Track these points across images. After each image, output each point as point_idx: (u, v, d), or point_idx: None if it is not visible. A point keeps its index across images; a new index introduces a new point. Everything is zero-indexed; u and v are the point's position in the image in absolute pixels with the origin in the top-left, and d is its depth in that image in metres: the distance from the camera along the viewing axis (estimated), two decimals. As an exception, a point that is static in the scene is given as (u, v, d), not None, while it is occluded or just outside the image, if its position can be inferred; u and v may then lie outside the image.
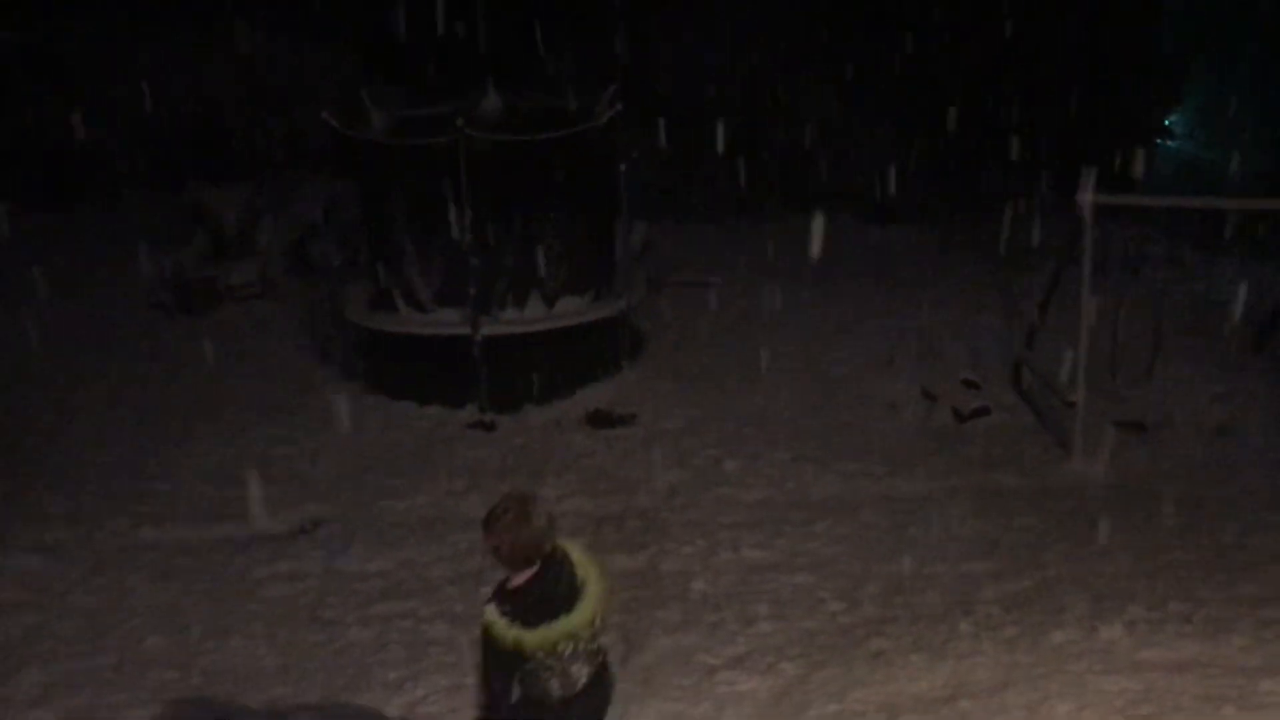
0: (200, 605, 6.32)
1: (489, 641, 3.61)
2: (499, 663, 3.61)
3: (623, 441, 8.50)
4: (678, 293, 10.34)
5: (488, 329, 8.81)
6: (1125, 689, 4.82)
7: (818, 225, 10.18)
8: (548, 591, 3.61)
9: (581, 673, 3.69)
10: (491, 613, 3.61)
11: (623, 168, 9.16)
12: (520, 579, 3.63)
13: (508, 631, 3.57)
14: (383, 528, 7.24)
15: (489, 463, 8.21)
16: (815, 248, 10.39)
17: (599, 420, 8.80)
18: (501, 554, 3.63)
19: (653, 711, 5.11)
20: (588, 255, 9.31)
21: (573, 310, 9.19)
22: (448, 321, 8.93)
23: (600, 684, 3.78)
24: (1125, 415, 8.48)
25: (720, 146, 11.28)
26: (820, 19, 12.74)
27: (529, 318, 9.08)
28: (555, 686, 3.66)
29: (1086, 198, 7.96)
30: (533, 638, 3.57)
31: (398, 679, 5.45)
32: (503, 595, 3.63)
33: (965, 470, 7.92)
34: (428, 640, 5.84)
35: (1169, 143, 15.70)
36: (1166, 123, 15.87)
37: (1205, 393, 8.73)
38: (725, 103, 12.46)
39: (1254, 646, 5.29)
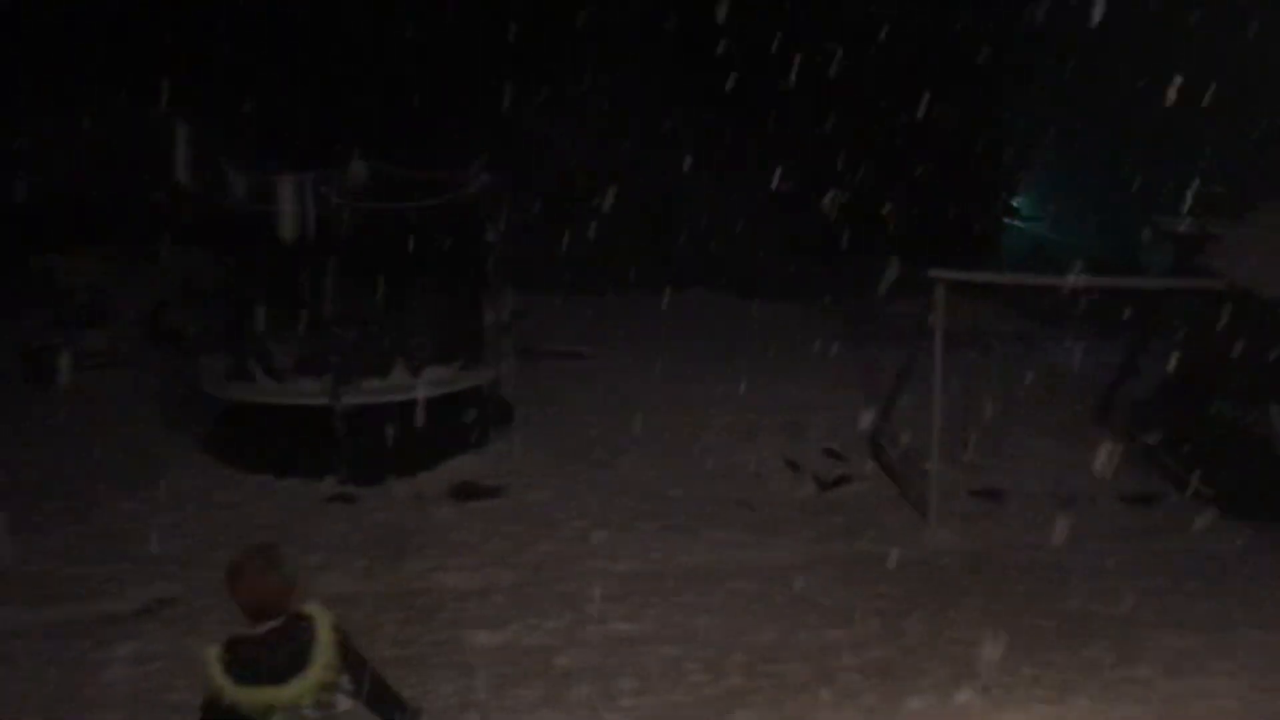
0: (34, 693, 5.93)
1: (205, 684, 3.55)
2: (207, 711, 3.57)
3: (489, 514, 8.39)
4: (547, 364, 10.35)
5: (349, 398, 8.65)
6: (979, 753, 4.93)
7: (688, 298, 10.39)
8: (268, 653, 3.54)
9: None
10: (210, 654, 3.56)
11: (492, 238, 9.18)
12: (252, 631, 3.57)
13: (217, 678, 3.52)
14: (235, 606, 6.94)
15: (349, 537, 7.99)
16: (685, 320, 10.55)
17: (465, 492, 8.68)
18: (241, 604, 3.59)
19: (513, 791, 4.99)
20: (455, 324, 9.26)
21: (439, 379, 9.08)
22: (307, 391, 8.73)
23: None
24: (979, 484, 8.78)
25: (592, 219, 11.44)
26: (690, 98, 13.11)
27: (392, 386, 8.94)
28: None
29: (939, 274, 8.32)
30: (236, 693, 3.51)
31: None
32: (229, 642, 3.57)
33: (828, 538, 8.06)
34: None
35: (1017, 222, 16.54)
36: (1014, 203, 16.74)
37: (1053, 463, 9.10)
38: (598, 176, 12.66)
39: (1100, 707, 5.49)
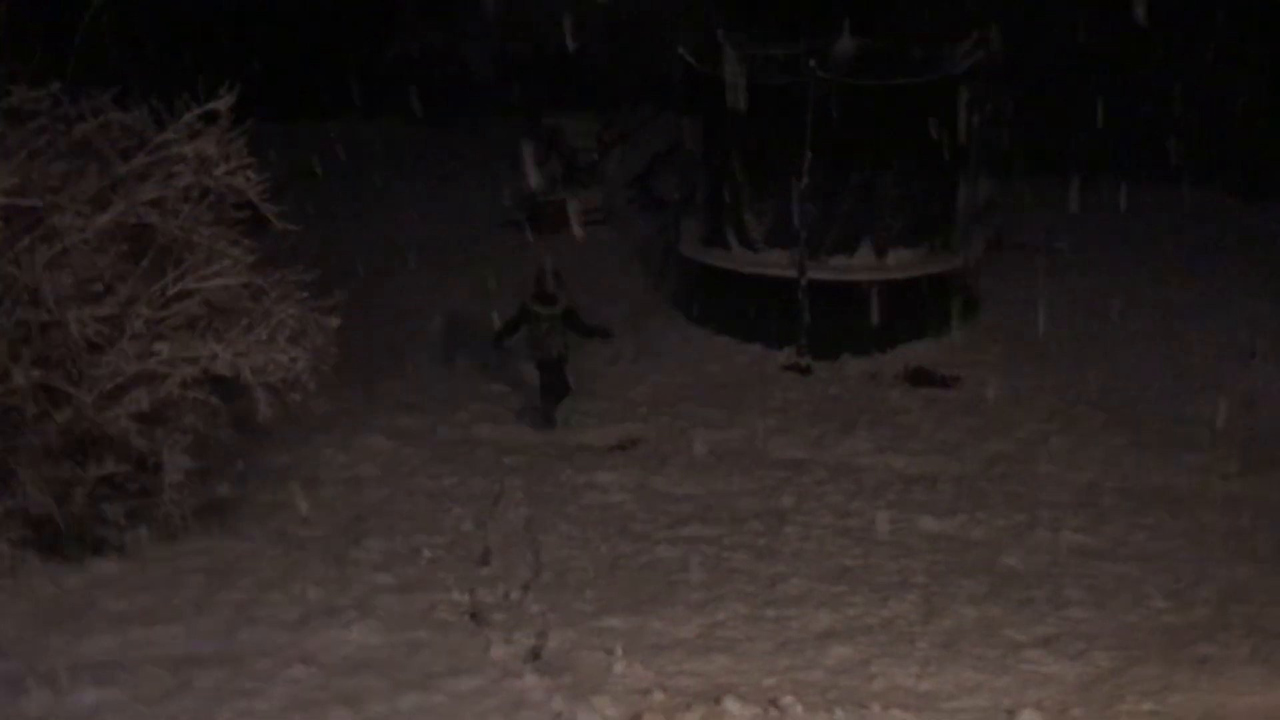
0: (522, 504, 6.77)
1: (521, 306, 7.84)
2: (517, 316, 7.82)
3: (942, 403, 8.26)
4: (1019, 256, 9.85)
5: (814, 274, 8.78)
6: None
7: (1180, 196, 9.39)
8: (542, 299, 7.70)
9: (546, 348, 7.76)
10: (529, 300, 7.81)
11: (975, 119, 8.79)
12: (538, 292, 7.77)
13: (528, 301, 7.79)
14: (694, 455, 7.45)
15: (802, 406, 8.23)
16: (1176, 221, 9.55)
17: (919, 378, 8.59)
18: (537, 285, 7.79)
19: (950, 677, 5.00)
20: (926, 207, 9.06)
21: (904, 263, 8.99)
22: (775, 263, 8.98)
23: (554, 368, 7.78)
24: None
25: (1076, 105, 10.57)
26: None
27: (857, 265, 8.97)
28: (537, 348, 7.81)
29: None
30: (534, 305, 7.72)
31: (700, 600, 5.62)
32: (534, 294, 7.75)
33: (1330, 480, 7.11)
34: (730, 568, 5.98)
35: None
36: None
37: None
38: (1084, 58, 11.64)
39: None
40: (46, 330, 5.36)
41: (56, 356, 5.34)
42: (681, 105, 10.28)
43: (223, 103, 5.66)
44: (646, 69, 12.91)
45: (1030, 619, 5.53)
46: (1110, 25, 11.20)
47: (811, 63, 8.41)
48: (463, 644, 5.17)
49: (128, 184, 5.57)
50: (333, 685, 4.79)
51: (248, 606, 5.41)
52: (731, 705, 4.67)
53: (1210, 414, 7.95)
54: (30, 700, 4.57)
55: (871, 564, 6.11)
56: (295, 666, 4.90)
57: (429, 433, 7.65)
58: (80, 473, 5.45)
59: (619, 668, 4.94)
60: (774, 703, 4.69)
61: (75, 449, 5.48)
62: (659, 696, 4.73)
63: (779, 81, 8.74)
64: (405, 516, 6.56)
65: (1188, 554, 6.28)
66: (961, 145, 9.03)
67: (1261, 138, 10.89)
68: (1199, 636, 5.37)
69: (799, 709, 4.66)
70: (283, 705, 4.64)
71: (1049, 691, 4.87)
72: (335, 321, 5.99)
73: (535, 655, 5.09)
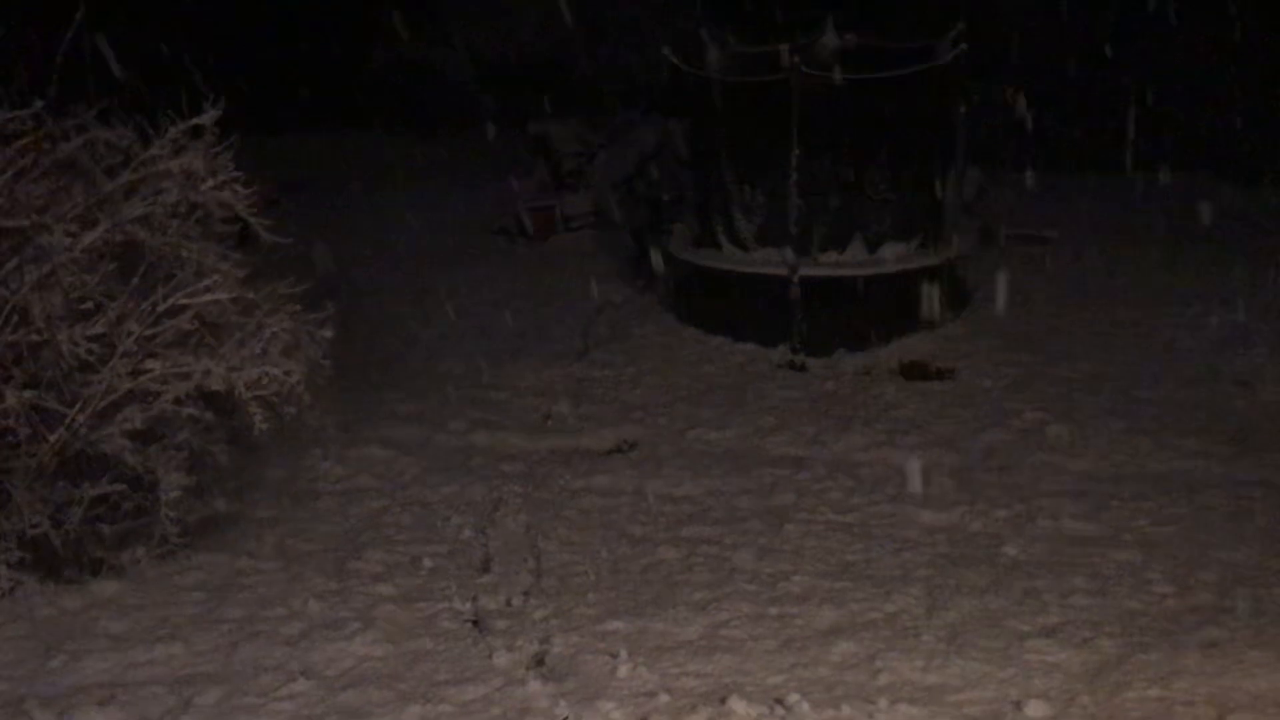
0: (522, 510, 6.74)
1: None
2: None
3: (938, 396, 8.25)
4: (1010, 246, 9.87)
5: (806, 270, 8.78)
6: None
7: (1176, 183, 9.43)
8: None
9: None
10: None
11: (962, 110, 8.81)
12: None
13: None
14: (692, 455, 7.43)
15: (798, 403, 8.21)
16: (1168, 207, 9.58)
17: (914, 372, 8.59)
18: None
19: (956, 670, 4.97)
20: (916, 201, 9.05)
21: (895, 257, 8.98)
22: (767, 261, 8.98)
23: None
24: None
25: (1064, 94, 10.61)
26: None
27: (849, 261, 8.97)
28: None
29: None
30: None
31: (702, 600, 5.59)
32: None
33: (1328, 461, 7.11)
34: (732, 568, 5.95)
35: None
36: None
37: None
38: (1070, 46, 11.70)
39: None
40: (37, 350, 5.33)
41: (48, 377, 5.31)
42: (667, 106, 10.30)
43: (208, 117, 5.64)
44: (630, 72, 12.97)
45: (1033, 609, 5.50)
46: (1099, 13, 11.26)
47: (796, 59, 8.40)
48: (466, 652, 5.14)
49: (114, 201, 5.54)
50: (336, 699, 4.76)
51: (248, 622, 5.38)
52: (737, 705, 4.65)
53: (1206, 398, 7.99)
54: (32, 724, 4.54)
55: (873, 559, 6.08)
56: (298, 681, 4.86)
57: (425, 442, 7.62)
58: (75, 493, 5.42)
59: (623, 671, 4.91)
60: (780, 701, 4.66)
61: (70, 469, 5.45)
62: (664, 699, 4.70)
63: (764, 79, 8.74)
64: (404, 527, 6.52)
65: (1189, 538, 6.26)
66: (949, 137, 9.05)
67: (1254, 122, 10.93)
68: (1203, 620, 5.35)
69: (805, 706, 4.63)
70: (286, 721, 4.61)
71: (1055, 681, 4.85)
72: (328, 333, 5.96)
73: (539, 661, 5.06)
